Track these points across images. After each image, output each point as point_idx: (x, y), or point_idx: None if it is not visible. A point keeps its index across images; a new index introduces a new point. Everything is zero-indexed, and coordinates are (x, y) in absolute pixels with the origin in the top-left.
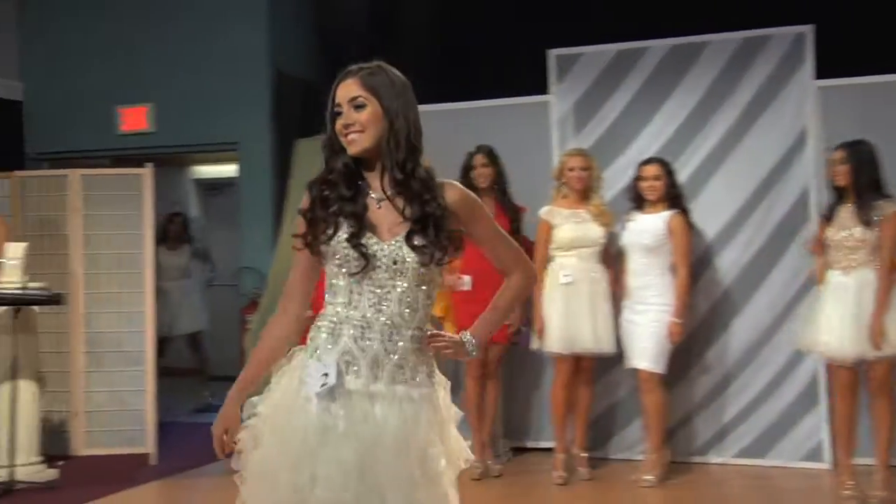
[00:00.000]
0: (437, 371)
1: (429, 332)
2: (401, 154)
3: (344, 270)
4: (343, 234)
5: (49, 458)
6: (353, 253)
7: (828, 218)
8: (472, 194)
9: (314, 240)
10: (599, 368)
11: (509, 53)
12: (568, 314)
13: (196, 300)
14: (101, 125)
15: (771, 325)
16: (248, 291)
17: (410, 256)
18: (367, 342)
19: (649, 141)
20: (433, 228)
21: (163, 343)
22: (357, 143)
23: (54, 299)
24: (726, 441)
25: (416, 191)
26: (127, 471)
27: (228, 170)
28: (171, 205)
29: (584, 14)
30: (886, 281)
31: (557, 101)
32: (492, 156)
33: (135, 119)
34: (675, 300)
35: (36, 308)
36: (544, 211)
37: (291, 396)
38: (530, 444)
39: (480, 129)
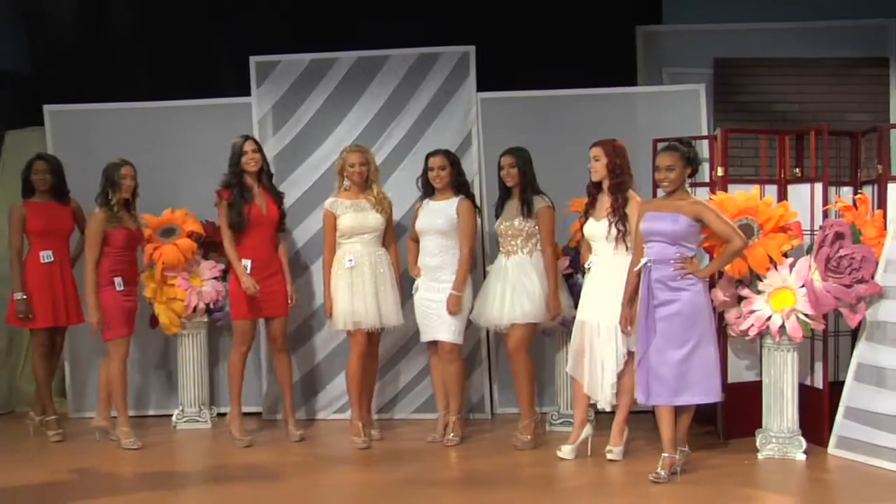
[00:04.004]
0: None
1: None
2: None
3: None
4: None
5: None
6: None
7: (497, 212)
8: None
9: None
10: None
11: (215, 56)
12: (354, 295)
13: None
14: None
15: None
16: None
17: None
18: None
19: (337, 143)
20: None
21: None
22: None
23: None
24: (406, 399)
25: None
26: None
27: None
28: None
29: (285, 22)
30: (551, 260)
31: (258, 103)
32: (257, 144)
33: None
34: (456, 275)
35: None
36: (329, 202)
37: None
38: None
39: (188, 126)
